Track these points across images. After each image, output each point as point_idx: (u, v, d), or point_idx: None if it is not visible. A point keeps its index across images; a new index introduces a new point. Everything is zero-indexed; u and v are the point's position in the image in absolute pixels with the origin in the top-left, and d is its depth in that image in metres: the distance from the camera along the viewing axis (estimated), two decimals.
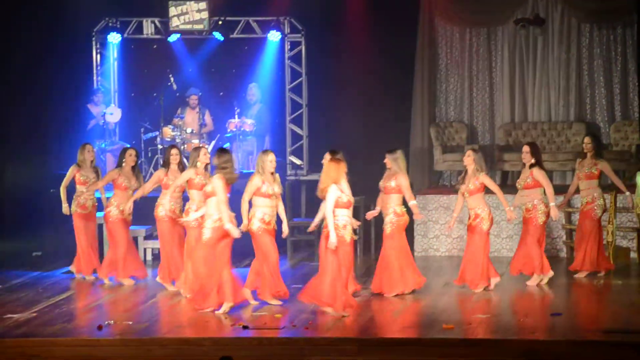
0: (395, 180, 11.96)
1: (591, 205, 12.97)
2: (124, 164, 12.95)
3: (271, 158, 11.43)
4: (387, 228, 11.99)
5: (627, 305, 11.37)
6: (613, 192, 13.91)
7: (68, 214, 13.29)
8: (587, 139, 13.17)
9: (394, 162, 12.04)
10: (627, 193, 13.15)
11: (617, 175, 16.02)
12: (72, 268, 13.36)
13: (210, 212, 10.96)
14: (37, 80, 16.21)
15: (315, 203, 15.30)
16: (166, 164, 12.73)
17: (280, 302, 11.29)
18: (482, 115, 17.49)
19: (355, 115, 17.12)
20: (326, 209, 10.71)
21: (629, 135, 16.56)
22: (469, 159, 12.20)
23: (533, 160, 12.42)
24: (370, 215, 12.29)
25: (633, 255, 14.15)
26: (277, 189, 11.42)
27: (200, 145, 14.44)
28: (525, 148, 12.57)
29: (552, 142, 16.96)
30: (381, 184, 12.12)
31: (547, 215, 12.38)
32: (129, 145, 16.54)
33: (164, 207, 12.45)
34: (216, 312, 10.88)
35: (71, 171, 13.41)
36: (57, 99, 16.60)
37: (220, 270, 10.91)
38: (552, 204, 12.29)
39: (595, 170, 12.99)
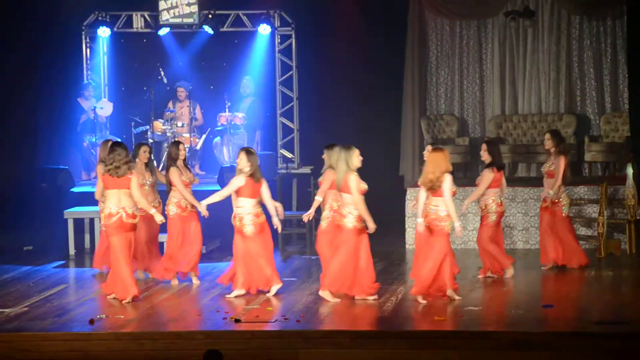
0: (326, 176, 11.71)
1: (558, 205, 12.83)
2: (137, 161, 12.60)
3: (358, 153, 11.23)
4: (324, 224, 11.63)
5: (618, 296, 11.40)
6: (604, 184, 13.93)
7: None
8: (546, 136, 12.83)
9: (327, 158, 11.67)
10: (551, 192, 12.70)
11: (607, 166, 16.11)
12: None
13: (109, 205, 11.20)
14: (26, 75, 16.18)
15: (306, 197, 15.37)
16: (174, 161, 12.49)
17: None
18: (473, 107, 17.51)
19: (346, 108, 17.13)
20: (445, 198, 10.80)
21: (619, 127, 16.59)
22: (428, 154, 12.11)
23: (490, 159, 12.23)
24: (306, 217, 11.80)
25: (624, 246, 14.16)
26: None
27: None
28: (483, 146, 12.33)
29: (542, 134, 16.93)
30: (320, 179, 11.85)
31: (501, 214, 12.32)
32: (117, 140, 16.50)
33: (174, 204, 12.35)
34: (123, 301, 11.09)
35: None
36: (47, 94, 16.57)
37: (119, 262, 11.16)
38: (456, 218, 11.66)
39: (555, 169, 12.77)
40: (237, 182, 11.45)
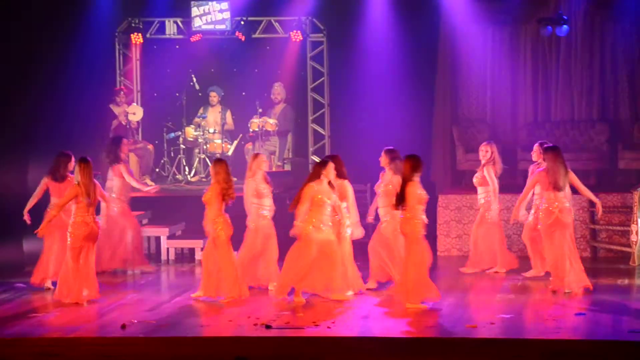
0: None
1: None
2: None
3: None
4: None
5: None
6: (638, 191, 13.82)
7: None
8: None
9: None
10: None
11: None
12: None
13: None
14: (60, 81, 16.26)
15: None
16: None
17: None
18: (504, 114, 17.38)
19: (376, 115, 17.10)
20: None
21: None
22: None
23: (391, 166, 12.12)
24: None
25: None
26: None
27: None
28: (383, 153, 12.25)
29: (575, 141, 16.85)
30: None
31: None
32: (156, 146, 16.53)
33: None
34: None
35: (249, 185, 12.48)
36: (80, 100, 16.65)
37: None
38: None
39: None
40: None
